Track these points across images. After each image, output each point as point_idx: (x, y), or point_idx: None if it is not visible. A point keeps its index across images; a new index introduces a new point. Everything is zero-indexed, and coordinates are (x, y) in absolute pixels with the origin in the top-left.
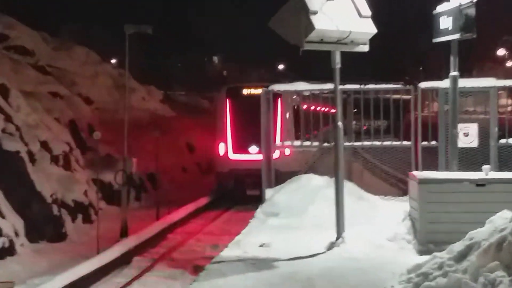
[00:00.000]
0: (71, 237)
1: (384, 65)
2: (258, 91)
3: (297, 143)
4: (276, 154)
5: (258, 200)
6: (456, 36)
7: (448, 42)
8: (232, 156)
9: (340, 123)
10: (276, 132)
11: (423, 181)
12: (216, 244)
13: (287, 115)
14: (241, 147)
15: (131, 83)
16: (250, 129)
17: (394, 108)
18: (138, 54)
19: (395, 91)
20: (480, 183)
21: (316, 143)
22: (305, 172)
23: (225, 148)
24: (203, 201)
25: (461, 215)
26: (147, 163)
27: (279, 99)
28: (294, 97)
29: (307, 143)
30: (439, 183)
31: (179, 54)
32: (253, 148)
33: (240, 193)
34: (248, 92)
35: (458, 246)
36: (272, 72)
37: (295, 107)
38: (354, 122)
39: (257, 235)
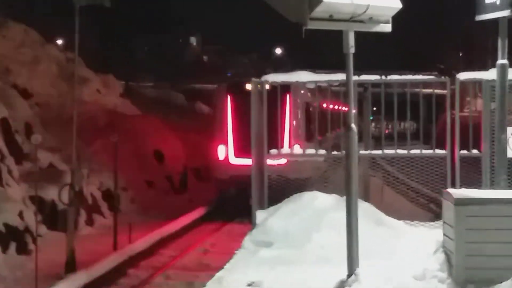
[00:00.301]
0: (1, 272)
1: (413, 51)
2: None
3: (298, 150)
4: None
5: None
6: (506, 12)
7: (496, 20)
8: (234, 160)
9: (353, 125)
10: (284, 134)
11: (460, 202)
12: (191, 282)
13: (299, 114)
14: (244, 151)
15: (83, 71)
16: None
17: (425, 106)
18: (92, 34)
19: (426, 84)
20: None
21: (322, 152)
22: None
23: (226, 152)
24: (182, 221)
25: (511, 246)
26: (102, 177)
27: (288, 94)
28: (302, 91)
29: (310, 151)
30: (482, 204)
31: (146, 34)
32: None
33: (241, 204)
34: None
35: (507, 286)
36: (267, 58)
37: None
38: (372, 124)
39: (245, 271)
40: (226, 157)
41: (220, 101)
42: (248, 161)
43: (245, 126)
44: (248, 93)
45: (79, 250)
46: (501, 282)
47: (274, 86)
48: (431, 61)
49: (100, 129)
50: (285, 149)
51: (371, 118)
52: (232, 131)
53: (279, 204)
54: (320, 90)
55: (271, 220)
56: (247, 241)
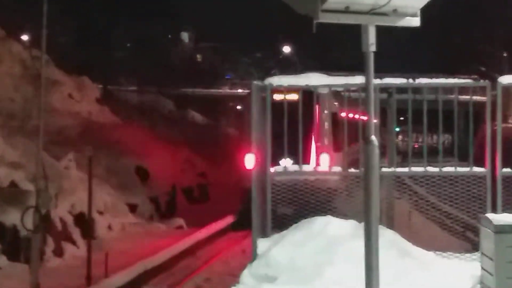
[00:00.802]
0: None
1: (449, 50)
2: (295, 96)
3: (308, 168)
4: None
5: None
6: None
7: None
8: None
9: (374, 138)
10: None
11: (502, 229)
12: None
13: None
14: (275, 159)
15: (52, 72)
16: (287, 138)
17: (461, 116)
18: (64, 28)
19: (463, 90)
20: None
21: (336, 169)
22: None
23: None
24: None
25: None
26: (74, 198)
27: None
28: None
29: (323, 169)
30: None
31: (128, 28)
32: (289, 161)
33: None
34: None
35: None
36: (273, 58)
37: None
38: (399, 137)
39: None
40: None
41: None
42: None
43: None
44: (275, 104)
45: (45, 286)
46: None
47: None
48: (470, 62)
49: (72, 141)
50: (294, 166)
51: (397, 129)
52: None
53: (285, 231)
54: (337, 96)
55: (275, 250)
56: (245, 275)
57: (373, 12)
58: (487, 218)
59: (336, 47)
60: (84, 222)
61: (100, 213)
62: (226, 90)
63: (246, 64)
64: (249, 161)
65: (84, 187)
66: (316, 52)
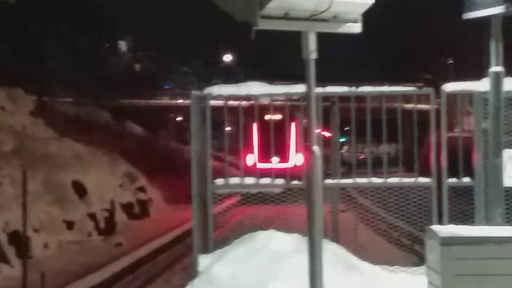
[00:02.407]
0: None
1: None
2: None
3: (250, 180)
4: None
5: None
6: (499, 9)
7: (488, 19)
8: (259, 165)
9: (317, 148)
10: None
11: (447, 241)
12: None
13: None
14: (263, 159)
15: None
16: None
17: (407, 125)
18: None
19: (407, 98)
20: None
21: (279, 181)
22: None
23: (254, 160)
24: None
25: None
26: (8, 215)
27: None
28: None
29: (265, 180)
30: (473, 244)
31: (63, 37)
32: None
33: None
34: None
35: None
36: (214, 66)
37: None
38: (344, 148)
39: None
40: (254, 163)
41: (248, 126)
42: (266, 165)
43: (264, 142)
44: (266, 121)
45: None
46: None
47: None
48: (416, 70)
49: (5, 156)
50: (235, 178)
51: (343, 139)
52: (258, 145)
53: (227, 247)
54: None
55: (217, 266)
56: None
57: (313, 18)
58: (433, 230)
59: (279, 56)
60: (19, 241)
61: (36, 230)
62: (166, 101)
63: (186, 74)
64: (250, 160)
65: (19, 203)
66: (259, 61)
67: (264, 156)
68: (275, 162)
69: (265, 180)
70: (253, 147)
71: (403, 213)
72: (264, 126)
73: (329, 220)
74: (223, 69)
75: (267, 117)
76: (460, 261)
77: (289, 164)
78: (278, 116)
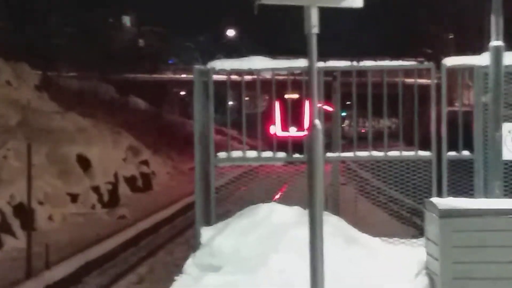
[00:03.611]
0: None
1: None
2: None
3: (252, 154)
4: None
5: None
6: None
7: None
8: (280, 134)
9: (317, 122)
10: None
11: (446, 213)
12: None
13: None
14: (284, 129)
15: None
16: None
17: (408, 100)
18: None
19: (408, 72)
20: None
21: (281, 154)
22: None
23: (275, 129)
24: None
25: (506, 267)
26: (13, 188)
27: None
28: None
29: (267, 154)
30: (471, 216)
31: (68, 13)
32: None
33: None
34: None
35: None
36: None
37: None
38: (346, 122)
39: None
40: (275, 133)
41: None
42: (286, 134)
43: (284, 116)
44: (286, 99)
45: None
46: None
47: None
48: (417, 45)
49: (10, 130)
50: (237, 152)
51: (344, 113)
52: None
53: (229, 219)
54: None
55: (219, 239)
56: (189, 265)
57: None
58: (432, 203)
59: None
60: (24, 213)
61: (41, 203)
62: (169, 76)
63: (190, 49)
64: (273, 129)
65: (24, 177)
66: (262, 36)
67: (284, 127)
68: (292, 131)
69: (267, 154)
70: (275, 119)
71: (403, 186)
72: (284, 103)
73: (329, 193)
74: (226, 45)
75: (286, 96)
76: (458, 233)
77: (304, 133)
78: (296, 95)
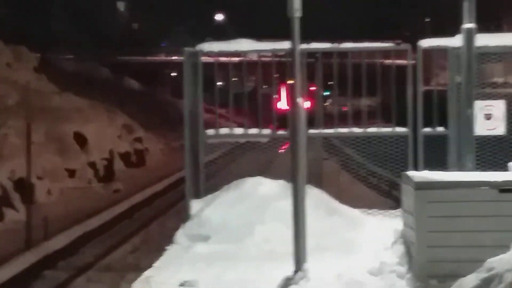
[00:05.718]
0: None
1: (374, 16)
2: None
3: (238, 131)
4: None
5: None
6: None
7: None
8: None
9: (300, 100)
10: None
11: (421, 186)
12: (116, 282)
13: None
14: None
15: None
16: None
17: (386, 80)
18: None
19: (386, 54)
20: (506, 188)
21: (266, 131)
22: None
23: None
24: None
25: (477, 235)
26: (14, 164)
27: None
28: None
29: (253, 130)
30: (445, 188)
31: None
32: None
33: None
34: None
35: (472, 281)
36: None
37: None
38: (329, 101)
39: (177, 270)
40: (281, 108)
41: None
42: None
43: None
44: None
45: None
46: (466, 275)
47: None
48: (396, 28)
49: (10, 109)
50: (225, 129)
51: (327, 93)
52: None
53: (218, 192)
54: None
55: (208, 210)
56: (180, 235)
57: None
58: (408, 176)
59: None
60: (24, 187)
61: (40, 178)
62: (162, 58)
63: (181, 33)
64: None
65: (23, 153)
66: (250, 20)
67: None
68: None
69: (253, 131)
70: (281, 97)
71: (382, 160)
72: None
73: (312, 168)
74: (216, 28)
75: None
76: (432, 204)
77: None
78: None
